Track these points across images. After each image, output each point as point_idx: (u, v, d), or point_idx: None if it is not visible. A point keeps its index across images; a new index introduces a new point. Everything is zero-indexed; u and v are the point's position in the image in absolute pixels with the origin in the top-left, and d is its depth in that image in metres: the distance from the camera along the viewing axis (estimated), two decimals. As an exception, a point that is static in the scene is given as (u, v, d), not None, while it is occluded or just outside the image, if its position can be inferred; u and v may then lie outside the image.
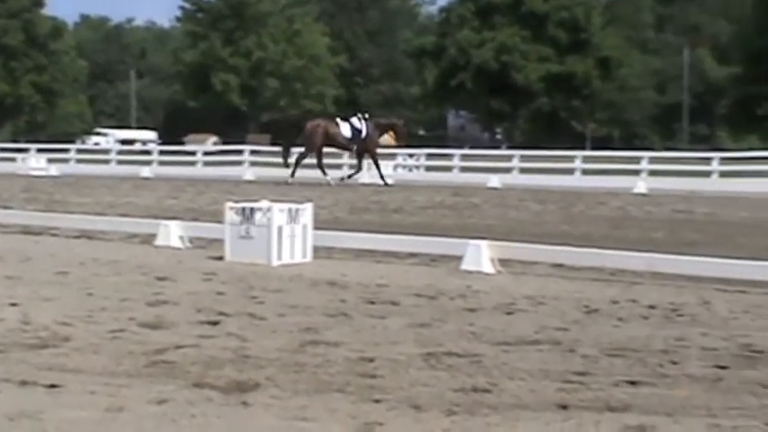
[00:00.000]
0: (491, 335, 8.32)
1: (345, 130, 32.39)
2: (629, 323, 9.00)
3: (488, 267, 12.14)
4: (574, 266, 12.26)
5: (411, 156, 46.83)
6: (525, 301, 10.08)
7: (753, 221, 20.60)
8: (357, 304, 9.80)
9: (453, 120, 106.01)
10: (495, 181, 34.85)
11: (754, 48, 79.78)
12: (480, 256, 12.24)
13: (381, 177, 32.17)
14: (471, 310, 9.54)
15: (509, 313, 9.44)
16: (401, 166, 44.45)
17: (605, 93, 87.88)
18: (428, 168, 44.54)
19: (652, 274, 11.49)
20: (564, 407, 6.13)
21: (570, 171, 41.31)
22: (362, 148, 32.50)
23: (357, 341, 7.99)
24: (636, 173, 38.63)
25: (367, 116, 33.05)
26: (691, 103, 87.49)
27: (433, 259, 13.14)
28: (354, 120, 32.48)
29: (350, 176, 32.54)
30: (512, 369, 7.08)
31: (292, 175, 32.68)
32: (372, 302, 9.93)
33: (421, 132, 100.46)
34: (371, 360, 7.29)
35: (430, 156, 46.65)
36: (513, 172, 40.42)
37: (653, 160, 42.28)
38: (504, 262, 12.31)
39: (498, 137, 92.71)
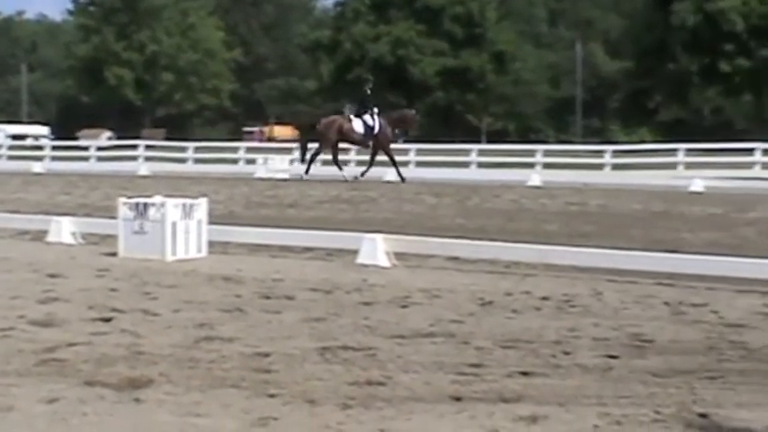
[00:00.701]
0: (386, 328, 8.34)
1: (358, 126, 32.20)
2: (522, 315, 9.09)
3: (384, 261, 12.17)
4: (469, 259, 12.35)
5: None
6: (420, 294, 10.12)
7: (644, 213, 20.92)
8: (252, 299, 9.76)
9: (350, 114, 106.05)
10: (391, 175, 34.91)
11: (644, 43, 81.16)
12: (376, 249, 12.26)
13: (399, 174, 31.85)
14: (367, 304, 9.55)
15: (404, 306, 9.47)
16: (298, 161, 44.29)
17: (500, 87, 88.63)
18: (324, 162, 44.51)
19: (545, 265, 11.63)
20: (458, 399, 6.17)
21: (466, 164, 41.63)
22: (375, 143, 32.30)
23: (252, 336, 7.95)
24: (530, 166, 39.07)
25: (377, 111, 32.62)
26: (584, 96, 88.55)
27: (329, 253, 13.13)
28: (367, 116, 32.16)
29: (362, 174, 32.11)
30: (406, 362, 7.10)
31: (307, 171, 32.36)
32: (268, 297, 9.90)
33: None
34: (266, 355, 7.26)
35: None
36: (409, 165, 40.56)
37: (547, 153, 42.83)
38: (399, 255, 12.35)
39: (395, 131, 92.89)
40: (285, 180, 33.19)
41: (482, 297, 9.92)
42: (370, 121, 31.88)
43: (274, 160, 39.00)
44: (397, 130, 32.79)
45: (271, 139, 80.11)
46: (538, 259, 11.78)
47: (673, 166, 38.75)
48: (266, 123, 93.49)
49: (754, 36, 74.34)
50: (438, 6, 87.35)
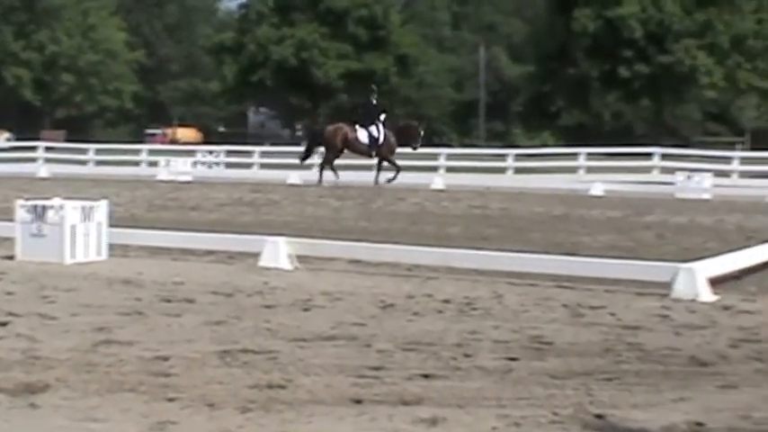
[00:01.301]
0: (287, 331, 8.32)
1: (363, 136, 31.92)
2: (424, 317, 9.14)
3: (286, 264, 12.15)
4: (371, 262, 12.37)
5: (210, 152, 46.54)
6: (322, 297, 10.11)
7: (545, 216, 21.15)
8: (152, 302, 9.67)
9: (254, 116, 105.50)
10: (295, 178, 34.83)
11: (546, 47, 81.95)
12: (278, 252, 12.23)
13: (389, 180, 31.54)
14: (268, 307, 9.52)
15: (306, 309, 9.46)
16: (200, 163, 44.10)
17: (404, 90, 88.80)
18: (228, 165, 44.34)
19: (447, 268, 11.70)
20: (358, 401, 6.18)
21: (369, 167, 41.67)
22: (378, 153, 31.99)
23: (151, 340, 7.88)
24: (434, 169, 39.28)
25: (383, 120, 32.24)
26: (487, 100, 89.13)
27: (231, 256, 13.06)
28: (373, 127, 31.83)
29: (389, 180, 31.69)
30: (307, 365, 7.10)
31: (320, 181, 31.90)
32: (168, 301, 9.81)
33: (221, 129, 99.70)
34: (166, 359, 7.20)
35: (230, 152, 46.45)
36: (313, 169, 40.50)
37: (450, 157, 43.12)
38: (301, 258, 12.33)
39: (299, 133, 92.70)
40: (188, 182, 32.95)
41: (384, 300, 9.95)
42: (375, 133, 31.72)
43: (177, 162, 38.69)
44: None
45: (174, 142, 79.49)
46: (440, 262, 11.84)
47: (574, 169, 39.25)
48: (169, 125, 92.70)
49: (652, 42, 75.47)
50: (342, 9, 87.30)
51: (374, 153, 31.81)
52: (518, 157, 42.66)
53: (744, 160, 39.43)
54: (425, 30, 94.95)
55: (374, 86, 34.37)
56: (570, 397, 6.38)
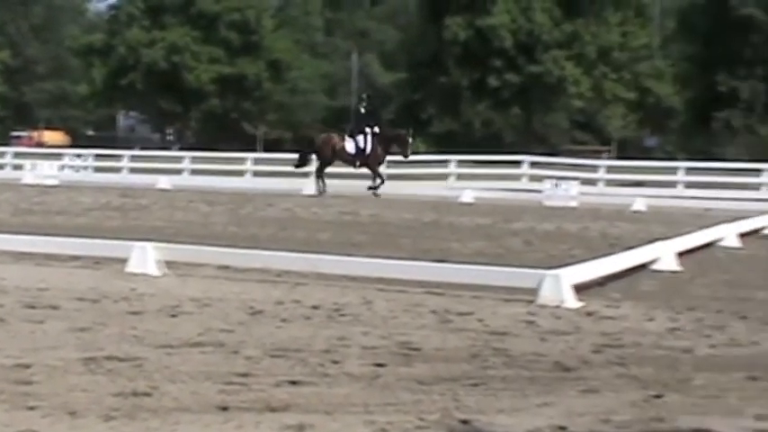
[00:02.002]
0: (154, 338, 8.22)
1: (350, 147, 31.36)
2: (292, 323, 9.11)
3: (154, 270, 11.99)
4: (240, 268, 12.29)
5: (79, 156, 45.82)
6: (190, 303, 10.02)
7: (415, 223, 21.28)
8: (15, 309, 9.46)
9: (123, 120, 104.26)
10: (164, 182, 34.50)
11: (417, 55, 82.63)
12: (146, 258, 12.07)
13: (375, 188, 30.90)
14: (135, 313, 9.40)
15: (173, 316, 9.36)
16: (68, 167, 43.37)
17: (276, 95, 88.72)
18: (96, 169, 43.69)
19: (317, 274, 11.68)
20: (224, 408, 6.13)
21: (241, 173, 41.51)
22: (364, 163, 31.37)
23: (13, 347, 7.71)
24: (305, 175, 39.20)
25: (372, 130, 31.57)
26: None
27: (98, 262, 12.84)
28: (360, 137, 31.22)
29: (374, 188, 30.98)
30: (173, 372, 7.02)
31: (320, 189, 31.08)
32: (32, 307, 9.61)
33: (90, 133, 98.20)
34: (28, 366, 7.05)
35: (98, 156, 45.81)
36: (183, 173, 40.21)
37: (322, 163, 43.02)
38: (170, 264, 12.19)
39: (169, 138, 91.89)
40: (54, 186, 32.38)
41: (252, 306, 9.90)
42: (361, 143, 31.32)
43: (43, 166, 38.01)
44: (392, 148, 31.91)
45: (40, 145, 78.02)
46: (309, 268, 11.82)
47: (444, 177, 39.59)
48: (36, 128, 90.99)
49: (521, 52, 76.65)
50: (214, 13, 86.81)
51: (359, 163, 31.57)
52: (389, 163, 42.85)
53: (610, 169, 40.24)
54: (298, 35, 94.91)
55: (364, 96, 34.07)
56: (437, 402, 6.42)
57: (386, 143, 31.50)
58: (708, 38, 73.43)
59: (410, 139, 31.69)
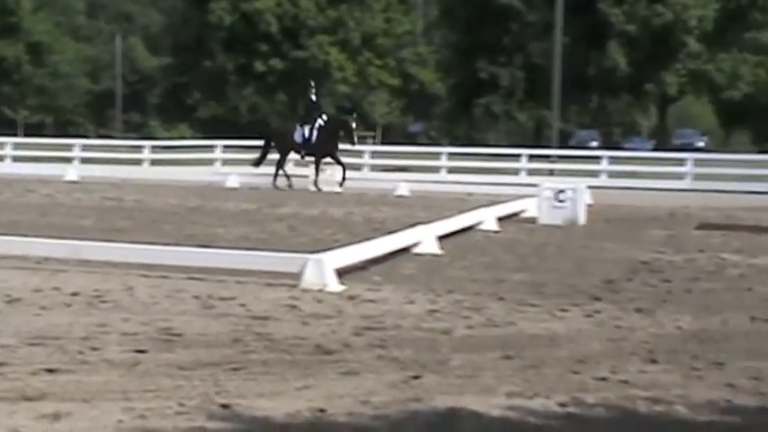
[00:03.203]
0: None
1: (298, 136, 29.69)
2: (51, 311, 8.96)
3: None
4: (-3, 255, 11.98)
5: None
6: (-57, 292, 9.72)
7: (179, 209, 21.11)
8: None
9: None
10: None
11: (182, 39, 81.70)
12: None
13: (316, 183, 29.24)
14: None
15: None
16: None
17: (37, 79, 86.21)
18: None
19: (78, 261, 11.48)
20: (-22, 399, 6.00)
21: (0, 158, 40.24)
22: (309, 153, 29.66)
23: None
24: (68, 160, 38.37)
25: (326, 119, 29.86)
26: (124, 91, 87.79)
27: None
28: (307, 127, 29.51)
29: (315, 183, 29.24)
30: (-76, 363, 6.82)
31: (289, 183, 29.06)
32: None
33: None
34: None
35: None
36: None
37: (85, 148, 42.21)
38: None
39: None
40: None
41: (10, 294, 9.68)
42: (307, 133, 30.00)
43: None
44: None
45: None
46: (70, 255, 11.61)
47: (210, 162, 39.34)
48: None
49: (287, 37, 76.75)
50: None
51: (304, 154, 30.55)
52: (154, 148, 42.38)
53: (374, 154, 40.77)
54: (59, 17, 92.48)
55: (312, 82, 32.70)
56: (197, 387, 6.45)
57: (333, 132, 30.80)
58: (469, 25, 74.98)
59: (354, 125, 31.08)
